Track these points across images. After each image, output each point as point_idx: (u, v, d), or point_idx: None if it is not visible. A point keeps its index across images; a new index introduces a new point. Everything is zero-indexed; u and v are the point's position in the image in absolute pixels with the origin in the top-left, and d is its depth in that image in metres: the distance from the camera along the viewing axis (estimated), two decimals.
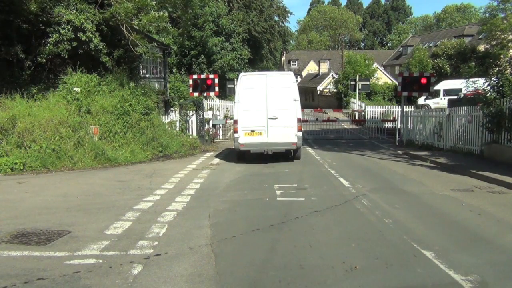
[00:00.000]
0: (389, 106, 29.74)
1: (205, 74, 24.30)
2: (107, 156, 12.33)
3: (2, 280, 4.40)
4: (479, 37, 41.82)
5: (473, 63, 31.67)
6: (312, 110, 31.96)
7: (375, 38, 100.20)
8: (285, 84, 12.78)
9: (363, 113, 29.21)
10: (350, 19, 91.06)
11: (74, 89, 13.12)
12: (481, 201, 7.97)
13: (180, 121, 18.58)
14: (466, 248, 5.42)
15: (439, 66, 37.14)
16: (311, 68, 68.00)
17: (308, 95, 55.01)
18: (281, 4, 43.01)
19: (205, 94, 18.52)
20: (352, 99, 35.94)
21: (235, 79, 21.07)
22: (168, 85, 22.73)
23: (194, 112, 19.23)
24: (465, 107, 14.38)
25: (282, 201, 8.00)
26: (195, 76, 18.83)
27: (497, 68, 24.99)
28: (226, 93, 27.80)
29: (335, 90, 44.20)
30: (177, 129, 17.73)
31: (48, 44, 13.88)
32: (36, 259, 5.02)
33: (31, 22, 13.97)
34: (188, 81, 19.17)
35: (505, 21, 28.80)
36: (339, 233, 6.09)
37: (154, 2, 13.92)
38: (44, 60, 14.08)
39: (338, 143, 19.09)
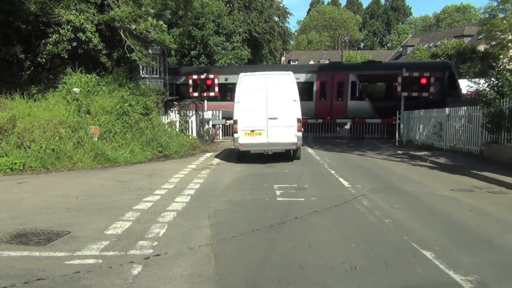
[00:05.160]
0: None
1: (204, 74, 24.29)
2: (106, 156, 12.33)
3: (2, 280, 4.39)
4: (479, 37, 41.81)
5: (477, 62, 31.61)
6: None
7: (375, 38, 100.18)
8: (285, 84, 12.78)
9: None
10: (350, 19, 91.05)
11: (73, 89, 13.12)
12: (481, 201, 7.96)
13: (180, 121, 18.58)
14: (466, 248, 5.42)
15: None
16: None
17: None
18: (281, 5, 42.98)
19: (205, 94, 18.52)
20: None
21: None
22: (168, 85, 22.73)
23: (194, 112, 19.24)
24: (465, 107, 14.39)
25: (282, 201, 8.00)
26: (195, 76, 18.84)
27: (496, 69, 25.00)
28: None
29: None
30: (177, 129, 17.73)
31: (48, 44, 13.89)
32: (36, 259, 5.02)
33: (30, 22, 13.99)
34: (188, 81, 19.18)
35: (504, 22, 28.78)
36: (339, 233, 6.08)
37: (153, 10, 13.95)
38: (44, 60, 14.09)
39: (338, 143, 19.11)
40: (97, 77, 14.36)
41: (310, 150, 16.17)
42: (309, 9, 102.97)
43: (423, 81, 17.02)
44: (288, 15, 43.51)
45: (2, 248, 5.40)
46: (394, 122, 19.27)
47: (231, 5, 36.79)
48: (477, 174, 10.35)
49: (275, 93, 12.64)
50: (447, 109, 15.52)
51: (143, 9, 13.62)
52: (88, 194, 8.61)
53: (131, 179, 10.22)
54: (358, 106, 22.64)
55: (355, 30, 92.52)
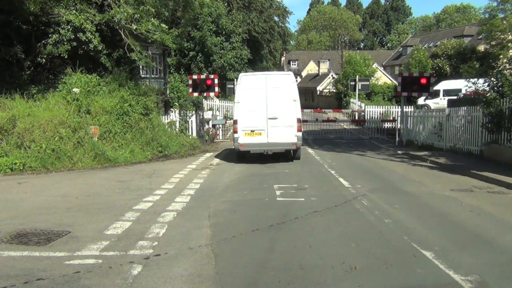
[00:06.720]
0: (389, 106, 29.73)
1: (205, 74, 24.28)
2: (106, 156, 12.32)
3: (2, 280, 4.39)
4: (479, 38, 41.78)
5: (476, 62, 31.58)
6: (312, 110, 31.91)
7: (375, 38, 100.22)
8: (285, 84, 12.78)
9: (363, 113, 29.20)
10: (350, 19, 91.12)
11: (73, 89, 13.11)
12: (481, 201, 7.97)
13: (179, 122, 18.57)
14: (466, 248, 5.42)
15: (439, 66, 37.12)
16: (311, 68, 68.01)
17: (308, 95, 55.00)
18: (281, 5, 42.94)
19: (204, 94, 18.51)
20: (351, 99, 35.95)
21: (235, 79, 21.06)
22: (167, 85, 22.71)
23: (193, 112, 19.23)
24: (465, 107, 14.38)
25: (282, 201, 8.00)
26: (195, 76, 18.82)
27: (496, 69, 24.98)
28: (226, 93, 27.75)
29: (334, 90, 44.20)
30: (177, 130, 17.72)
31: (48, 44, 13.87)
32: (35, 259, 5.02)
33: (30, 22, 13.98)
34: (188, 81, 19.17)
35: (504, 22, 28.76)
36: (339, 233, 6.09)
37: (153, 9, 13.92)
38: (44, 60, 14.08)
39: (338, 143, 19.09)
40: (97, 77, 14.35)
41: (310, 150, 16.17)
42: (309, 9, 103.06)
43: (423, 81, 17.00)
44: (288, 14, 43.47)
45: (2, 248, 5.40)
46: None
47: (230, 5, 36.77)
48: (477, 174, 10.35)
49: (275, 93, 12.63)
50: (447, 109, 15.50)
51: (145, 7, 13.55)
52: (88, 194, 8.61)
53: (131, 179, 10.22)
54: None
55: (355, 30, 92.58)
